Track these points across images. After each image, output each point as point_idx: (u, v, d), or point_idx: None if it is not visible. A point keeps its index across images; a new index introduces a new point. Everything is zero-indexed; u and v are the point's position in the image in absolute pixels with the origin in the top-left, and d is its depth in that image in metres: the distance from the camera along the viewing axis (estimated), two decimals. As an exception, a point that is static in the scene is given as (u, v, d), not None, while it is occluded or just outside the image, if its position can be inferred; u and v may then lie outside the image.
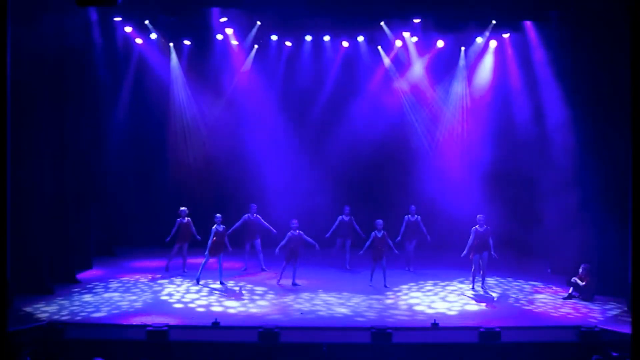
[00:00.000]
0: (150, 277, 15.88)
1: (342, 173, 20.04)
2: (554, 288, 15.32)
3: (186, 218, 16.26)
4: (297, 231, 15.20)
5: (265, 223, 16.52)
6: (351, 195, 19.24)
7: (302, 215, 16.88)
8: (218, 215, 15.42)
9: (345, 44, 19.61)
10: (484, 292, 14.90)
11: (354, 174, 20.09)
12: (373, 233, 15.17)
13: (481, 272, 15.03)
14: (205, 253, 15.19)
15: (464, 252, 14.97)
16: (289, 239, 15.14)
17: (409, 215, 16.89)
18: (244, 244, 16.65)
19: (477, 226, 14.94)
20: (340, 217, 17.02)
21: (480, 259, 14.87)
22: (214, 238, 15.11)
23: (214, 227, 15.22)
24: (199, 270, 15.27)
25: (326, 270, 16.82)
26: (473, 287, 15.03)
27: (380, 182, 20.06)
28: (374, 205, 18.85)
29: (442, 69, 19.81)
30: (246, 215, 16.59)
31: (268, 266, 16.58)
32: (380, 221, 15.29)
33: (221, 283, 15.17)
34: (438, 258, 17.75)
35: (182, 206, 16.51)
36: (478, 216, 15.10)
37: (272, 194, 19.37)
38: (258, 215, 16.61)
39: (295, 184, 19.69)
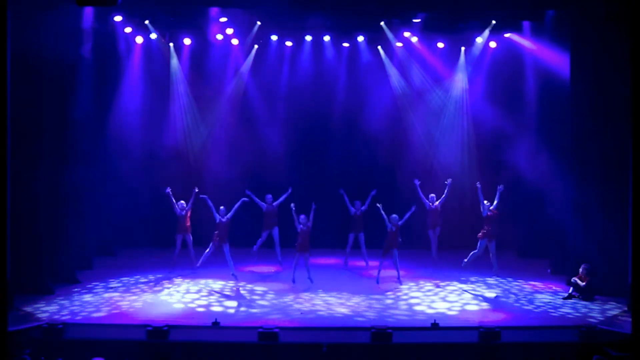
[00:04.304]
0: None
1: (345, 170, 20.00)
2: (554, 288, 15.33)
3: (185, 210, 16.28)
4: (307, 225, 15.26)
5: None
6: (352, 190, 19.31)
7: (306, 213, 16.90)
8: (221, 207, 15.48)
9: (345, 44, 19.66)
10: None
11: (357, 171, 20.06)
12: (389, 225, 15.23)
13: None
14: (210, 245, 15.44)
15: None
16: (299, 234, 15.24)
17: (430, 203, 16.96)
18: (260, 234, 16.79)
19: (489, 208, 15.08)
20: (353, 210, 16.99)
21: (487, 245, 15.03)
22: (216, 231, 15.17)
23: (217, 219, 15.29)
24: (201, 259, 15.65)
25: (334, 270, 16.91)
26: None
27: (381, 181, 20.04)
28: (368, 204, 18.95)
29: (442, 68, 19.81)
30: (263, 205, 16.66)
31: (284, 263, 16.66)
32: (395, 216, 15.37)
33: (233, 275, 15.22)
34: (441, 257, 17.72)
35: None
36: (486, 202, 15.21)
37: (273, 193, 19.40)
38: (274, 204, 16.74)
39: (296, 182, 19.68)
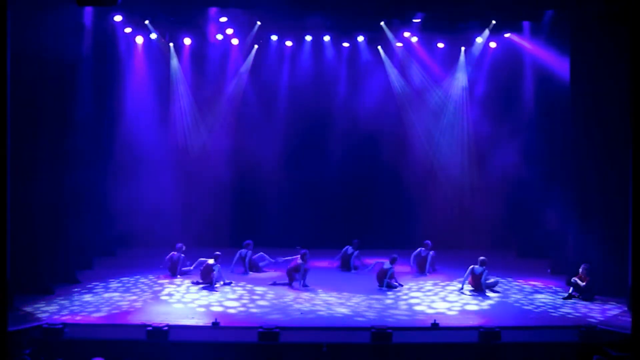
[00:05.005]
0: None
1: (345, 169, 20.00)
2: (554, 288, 15.32)
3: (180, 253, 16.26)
4: (306, 264, 15.12)
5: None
6: (353, 195, 19.33)
7: (305, 219, 16.78)
8: (217, 252, 15.37)
9: (345, 44, 19.67)
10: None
11: (357, 170, 20.05)
12: (391, 267, 15.09)
13: None
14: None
15: None
16: (292, 264, 15.13)
17: (423, 248, 16.66)
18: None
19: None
20: (346, 247, 16.95)
21: None
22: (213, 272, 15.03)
23: (213, 264, 15.02)
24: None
25: (334, 271, 16.96)
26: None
27: (382, 179, 20.04)
28: (369, 204, 18.91)
29: (442, 68, 19.83)
30: (246, 251, 16.40)
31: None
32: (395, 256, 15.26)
33: (225, 283, 15.15)
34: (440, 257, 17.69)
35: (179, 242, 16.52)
36: None
37: (272, 194, 19.44)
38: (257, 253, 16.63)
39: (295, 181, 19.71)
